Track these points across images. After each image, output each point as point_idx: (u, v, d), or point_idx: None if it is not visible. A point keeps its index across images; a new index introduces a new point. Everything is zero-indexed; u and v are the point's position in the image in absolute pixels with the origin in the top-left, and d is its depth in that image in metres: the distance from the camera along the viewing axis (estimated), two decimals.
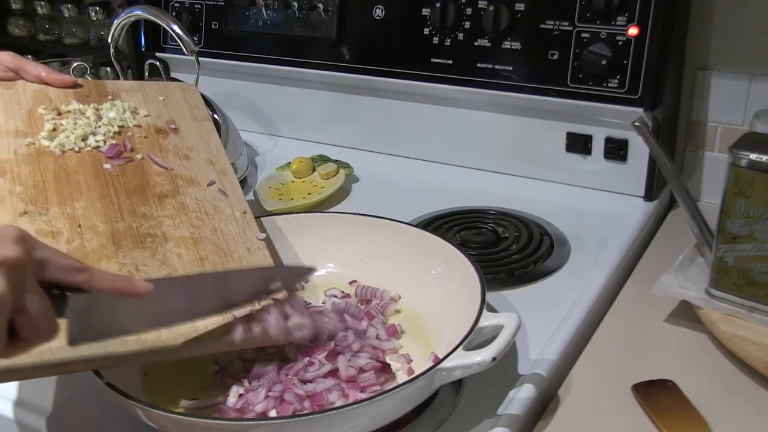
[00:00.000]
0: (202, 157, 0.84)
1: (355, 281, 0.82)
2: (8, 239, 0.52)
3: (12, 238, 0.52)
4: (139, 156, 0.80)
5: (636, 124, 0.80)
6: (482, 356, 0.61)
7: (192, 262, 0.72)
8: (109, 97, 0.87)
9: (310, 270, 0.75)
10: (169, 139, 0.84)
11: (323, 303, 0.79)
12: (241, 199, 0.81)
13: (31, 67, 0.84)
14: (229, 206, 0.79)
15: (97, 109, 0.84)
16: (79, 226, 0.71)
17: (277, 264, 0.77)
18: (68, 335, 0.56)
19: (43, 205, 0.72)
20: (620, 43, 0.96)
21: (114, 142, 0.81)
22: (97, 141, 0.80)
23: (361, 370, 0.68)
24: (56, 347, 0.57)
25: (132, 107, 0.86)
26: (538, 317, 0.78)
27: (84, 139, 0.80)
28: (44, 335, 0.54)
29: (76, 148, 0.79)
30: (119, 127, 0.83)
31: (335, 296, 0.80)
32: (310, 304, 0.80)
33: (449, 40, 1.07)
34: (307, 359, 0.69)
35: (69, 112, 0.83)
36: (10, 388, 0.73)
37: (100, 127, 0.82)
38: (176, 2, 1.28)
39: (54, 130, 0.80)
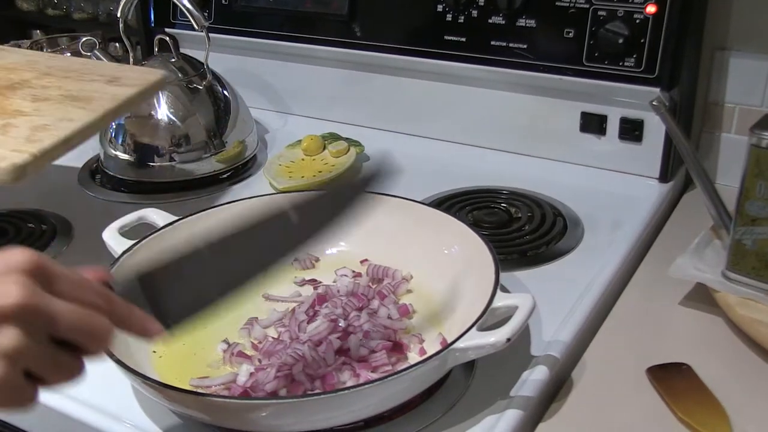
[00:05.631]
0: None
1: (366, 260, 0.82)
2: (18, 271, 0.42)
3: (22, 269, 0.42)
4: None
5: (654, 103, 0.79)
6: (496, 337, 0.60)
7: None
8: None
9: None
10: None
11: (334, 282, 0.79)
12: None
13: None
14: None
15: None
16: None
17: None
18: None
19: None
20: (638, 21, 0.94)
21: None
22: None
23: (373, 350, 0.67)
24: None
25: None
26: (552, 298, 0.78)
27: None
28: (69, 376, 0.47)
29: None
30: None
31: (346, 275, 0.80)
32: (320, 283, 0.79)
33: (463, 18, 1.05)
34: (317, 337, 0.69)
35: None
36: None
37: None
38: None
39: None
